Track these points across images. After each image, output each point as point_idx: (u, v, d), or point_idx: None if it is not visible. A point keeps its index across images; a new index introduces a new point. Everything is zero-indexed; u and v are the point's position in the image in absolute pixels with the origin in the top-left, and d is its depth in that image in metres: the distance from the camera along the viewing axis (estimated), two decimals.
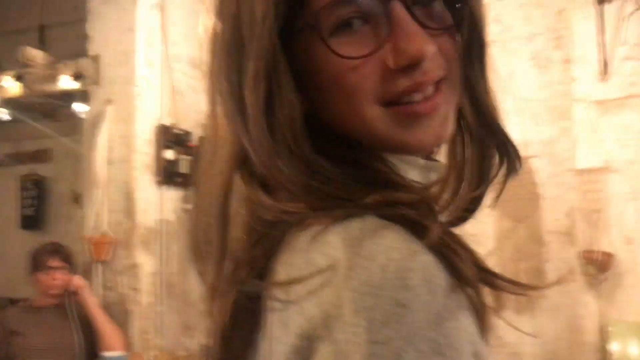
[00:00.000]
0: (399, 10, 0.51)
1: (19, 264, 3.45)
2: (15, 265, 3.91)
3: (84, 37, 3.64)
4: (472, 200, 0.61)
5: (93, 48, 3.60)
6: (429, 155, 0.60)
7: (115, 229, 3.42)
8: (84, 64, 3.60)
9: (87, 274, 3.35)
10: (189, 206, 3.82)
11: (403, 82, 0.53)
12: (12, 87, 3.79)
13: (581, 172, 3.16)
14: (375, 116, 0.54)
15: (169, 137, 3.60)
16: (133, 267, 3.39)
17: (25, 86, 3.77)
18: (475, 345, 0.48)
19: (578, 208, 3.19)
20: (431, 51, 0.52)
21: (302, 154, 0.53)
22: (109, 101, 3.48)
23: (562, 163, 3.34)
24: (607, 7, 3.13)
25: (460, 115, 0.60)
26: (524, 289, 0.53)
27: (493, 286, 0.52)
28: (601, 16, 3.14)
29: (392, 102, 0.53)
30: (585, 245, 3.11)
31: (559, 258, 3.32)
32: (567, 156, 3.31)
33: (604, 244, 3.07)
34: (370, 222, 0.50)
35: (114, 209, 3.44)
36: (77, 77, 3.59)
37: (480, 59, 0.60)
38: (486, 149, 0.61)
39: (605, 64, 3.13)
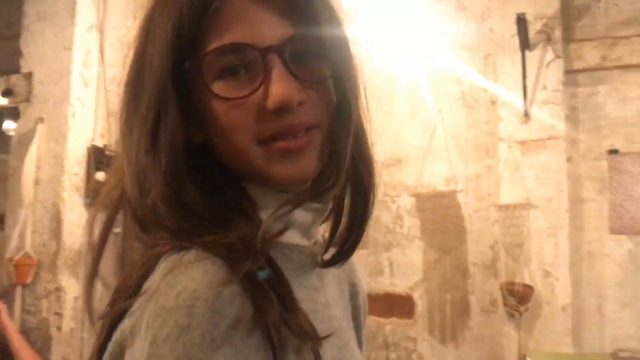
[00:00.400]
0: (275, 62, 0.59)
1: None
2: None
3: (16, 54, 3.55)
4: (349, 238, 0.70)
5: (26, 65, 3.52)
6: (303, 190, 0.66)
7: (39, 251, 3.31)
8: (16, 80, 3.52)
9: (5, 297, 3.21)
10: (118, 230, 3.74)
11: (276, 124, 0.60)
12: None
13: (504, 207, 3.31)
14: (252, 152, 0.62)
15: (100, 158, 3.54)
16: (56, 291, 3.27)
17: None
18: None
19: (501, 242, 3.34)
20: (297, 98, 0.59)
21: (173, 179, 0.60)
22: (40, 119, 3.40)
23: (487, 198, 3.50)
24: (529, 54, 3.34)
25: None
26: (310, 338, 0.58)
27: (291, 330, 0.57)
28: (523, 62, 3.34)
29: (266, 141, 0.61)
30: (507, 278, 3.24)
31: (483, 290, 3.45)
32: (492, 192, 3.48)
33: (525, 277, 3.21)
34: (192, 254, 0.58)
35: (38, 230, 3.33)
36: (7, 93, 3.50)
37: (346, 119, 0.66)
38: (361, 195, 0.69)
39: (527, 107, 3.32)
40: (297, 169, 0.62)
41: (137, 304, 0.59)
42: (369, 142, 0.71)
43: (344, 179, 0.67)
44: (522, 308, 3.16)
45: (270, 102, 0.59)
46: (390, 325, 3.59)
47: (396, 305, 3.58)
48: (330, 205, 0.70)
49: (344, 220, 0.70)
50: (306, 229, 0.67)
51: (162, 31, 0.60)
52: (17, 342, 2.94)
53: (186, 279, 0.55)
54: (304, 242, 0.68)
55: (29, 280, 3.25)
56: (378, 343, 3.57)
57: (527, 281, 3.20)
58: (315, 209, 0.67)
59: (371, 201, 0.70)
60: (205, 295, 0.53)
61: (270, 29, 0.60)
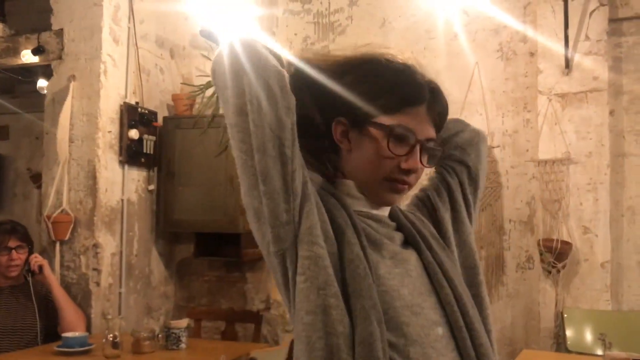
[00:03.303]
0: (417, 148, 0.99)
1: None
2: None
3: (46, 11, 3.54)
4: None
5: (56, 22, 3.50)
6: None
7: (75, 208, 3.36)
8: (47, 38, 3.51)
9: (45, 254, 3.28)
10: (152, 187, 3.77)
11: (401, 176, 0.99)
12: None
13: (543, 162, 3.23)
14: (378, 183, 1.00)
15: (133, 116, 3.54)
16: (94, 248, 3.33)
17: None
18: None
19: (539, 197, 3.27)
20: (418, 171, 1.00)
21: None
22: (72, 77, 3.40)
23: (524, 153, 3.42)
24: (571, 3, 3.20)
25: None
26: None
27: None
28: (565, 11, 3.21)
29: (389, 180, 0.99)
30: (544, 234, 3.19)
31: (519, 246, 3.41)
32: (530, 147, 3.39)
33: (563, 233, 3.15)
34: None
35: (75, 187, 3.37)
36: (39, 51, 3.49)
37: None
38: None
39: (568, 59, 3.20)
40: (393, 200, 1.03)
41: None
42: None
43: None
44: (559, 265, 3.11)
45: (405, 165, 0.98)
46: None
47: None
48: (394, 225, 1.06)
49: None
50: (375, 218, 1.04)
51: (381, 88, 0.99)
52: (61, 296, 3.01)
53: None
54: (374, 212, 1.03)
55: (67, 237, 3.31)
56: None
57: (565, 237, 3.14)
58: (381, 220, 1.05)
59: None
60: None
61: (425, 129, 0.99)
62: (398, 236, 1.03)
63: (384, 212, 1.05)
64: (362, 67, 1.00)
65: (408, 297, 0.93)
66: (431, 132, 1.00)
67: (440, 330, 0.93)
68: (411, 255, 1.00)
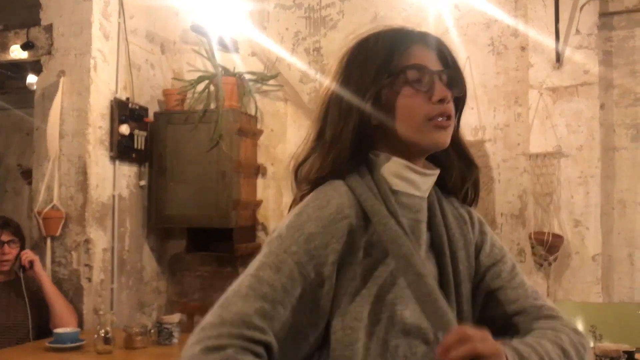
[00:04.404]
0: (438, 78, 1.02)
1: None
2: None
3: (36, 6, 3.51)
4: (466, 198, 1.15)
5: (46, 17, 3.48)
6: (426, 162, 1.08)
7: (66, 204, 3.34)
8: (36, 33, 3.48)
9: (36, 249, 3.26)
10: (143, 182, 3.76)
11: (437, 108, 1.00)
12: None
13: (534, 156, 3.24)
14: (422, 125, 1.01)
15: (124, 111, 3.53)
16: (85, 243, 3.31)
17: None
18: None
19: (530, 191, 3.28)
20: (448, 97, 1.01)
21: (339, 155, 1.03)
22: (62, 72, 3.38)
23: (516, 147, 3.43)
24: None
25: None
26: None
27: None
28: (556, 5, 3.21)
29: (431, 119, 1.00)
30: (536, 227, 3.20)
31: (510, 239, 3.42)
32: (521, 140, 3.40)
33: (554, 226, 3.17)
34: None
35: (65, 183, 3.35)
36: (28, 46, 3.47)
37: (459, 119, 1.10)
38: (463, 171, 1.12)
39: (559, 53, 3.21)
40: (443, 139, 1.02)
41: None
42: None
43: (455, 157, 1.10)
44: (551, 258, 3.13)
45: (435, 97, 1.00)
46: None
47: None
48: (437, 172, 1.06)
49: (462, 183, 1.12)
50: (416, 185, 1.04)
51: (374, 59, 1.02)
52: (52, 292, 2.99)
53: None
54: (415, 192, 1.04)
55: (58, 232, 3.29)
56: None
57: (557, 230, 3.16)
58: (422, 172, 1.04)
59: (474, 170, 1.12)
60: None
61: (433, 63, 1.03)
62: (424, 239, 1.03)
63: (427, 181, 1.05)
64: (359, 49, 1.05)
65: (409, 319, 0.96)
66: (439, 64, 1.04)
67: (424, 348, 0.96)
68: (430, 267, 1.01)
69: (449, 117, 1.01)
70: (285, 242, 0.94)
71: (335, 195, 0.98)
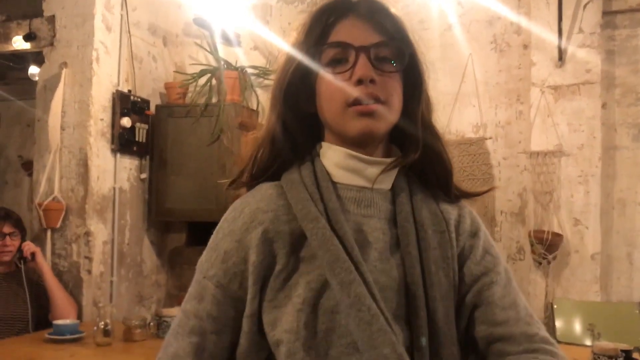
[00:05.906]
0: (361, 55, 0.88)
1: None
2: None
3: None
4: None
5: (48, 8, 3.47)
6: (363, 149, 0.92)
7: (67, 196, 3.34)
8: (38, 24, 3.48)
9: (36, 241, 3.27)
10: (144, 175, 3.76)
11: (358, 91, 0.87)
12: None
13: (535, 154, 3.24)
14: (342, 112, 0.89)
15: (125, 104, 3.52)
16: (85, 235, 3.32)
17: None
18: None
19: (530, 189, 3.28)
20: (370, 76, 0.87)
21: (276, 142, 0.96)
22: (64, 64, 3.38)
23: (517, 145, 3.43)
24: None
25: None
26: None
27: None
28: (559, 3, 3.21)
29: (350, 105, 0.88)
30: (536, 226, 3.20)
31: (510, 237, 3.42)
32: (522, 138, 3.40)
33: (554, 225, 3.17)
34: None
35: (66, 175, 3.35)
36: (30, 37, 3.46)
37: (418, 97, 0.94)
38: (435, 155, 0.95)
39: (561, 51, 3.21)
40: (368, 127, 0.88)
41: None
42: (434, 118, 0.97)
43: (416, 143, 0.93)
44: (550, 256, 3.13)
45: (353, 77, 0.87)
46: None
47: None
48: (389, 160, 0.92)
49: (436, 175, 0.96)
50: (364, 175, 0.91)
51: (306, 37, 0.91)
52: (52, 283, 3.00)
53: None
54: (363, 183, 0.92)
55: (58, 224, 3.30)
56: None
57: (556, 229, 3.16)
58: (367, 160, 0.91)
59: (446, 159, 0.95)
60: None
61: (362, 36, 0.89)
62: (380, 238, 0.89)
63: (375, 170, 0.91)
64: (293, 34, 0.95)
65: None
66: (374, 37, 0.89)
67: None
68: (392, 269, 0.87)
69: (377, 100, 0.87)
70: (204, 266, 0.91)
71: (252, 201, 0.91)
